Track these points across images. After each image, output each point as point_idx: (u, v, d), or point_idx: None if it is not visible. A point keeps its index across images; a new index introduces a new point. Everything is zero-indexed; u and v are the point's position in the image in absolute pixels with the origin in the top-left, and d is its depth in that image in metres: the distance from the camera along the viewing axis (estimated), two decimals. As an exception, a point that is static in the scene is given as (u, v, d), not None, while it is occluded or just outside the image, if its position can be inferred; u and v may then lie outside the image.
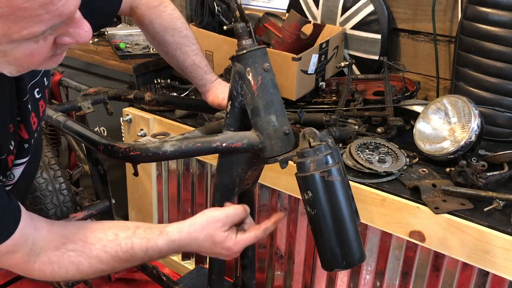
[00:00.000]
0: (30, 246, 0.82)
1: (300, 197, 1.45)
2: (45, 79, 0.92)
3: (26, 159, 0.92)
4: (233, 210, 0.89)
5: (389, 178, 1.32)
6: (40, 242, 0.83)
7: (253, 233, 0.89)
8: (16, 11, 0.56)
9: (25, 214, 0.82)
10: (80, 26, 0.65)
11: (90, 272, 0.85)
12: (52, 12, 0.58)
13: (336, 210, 0.81)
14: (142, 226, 0.88)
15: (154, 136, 1.22)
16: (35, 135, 0.92)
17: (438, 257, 1.26)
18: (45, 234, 0.84)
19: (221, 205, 1.05)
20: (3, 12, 0.55)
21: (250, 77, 0.91)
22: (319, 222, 0.82)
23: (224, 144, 0.94)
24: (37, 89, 0.90)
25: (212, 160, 1.63)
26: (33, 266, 0.83)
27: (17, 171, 0.92)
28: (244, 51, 0.92)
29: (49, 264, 0.83)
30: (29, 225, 0.82)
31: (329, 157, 0.82)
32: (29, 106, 0.87)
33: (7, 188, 0.93)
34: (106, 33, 2.24)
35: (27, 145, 0.90)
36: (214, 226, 0.86)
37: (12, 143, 0.83)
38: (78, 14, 0.64)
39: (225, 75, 1.66)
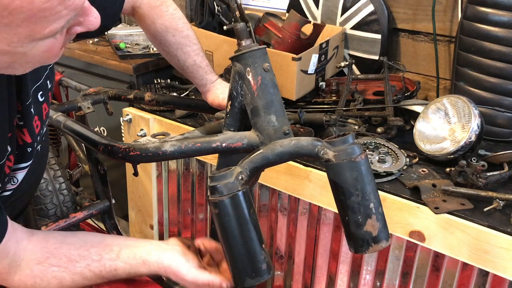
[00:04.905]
0: (11, 258, 0.83)
1: (300, 197, 1.46)
2: (48, 82, 0.92)
3: (29, 163, 0.91)
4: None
5: (389, 178, 1.32)
6: (21, 253, 0.84)
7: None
8: (37, 12, 0.57)
9: (10, 227, 0.83)
10: (90, 13, 0.66)
11: (73, 286, 0.88)
12: (69, 6, 0.60)
13: (225, 237, 0.81)
14: (124, 248, 0.89)
15: (154, 136, 1.22)
16: (39, 138, 0.92)
17: (438, 257, 1.26)
18: (25, 246, 0.85)
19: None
20: (26, 16, 0.57)
21: (250, 77, 0.91)
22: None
23: (224, 144, 0.94)
24: (41, 92, 0.90)
25: (212, 160, 1.63)
26: (13, 277, 0.85)
27: (20, 175, 0.92)
28: (244, 51, 0.92)
29: (32, 277, 0.85)
30: (12, 238, 0.83)
31: (222, 187, 0.78)
32: (32, 110, 0.86)
33: (8, 193, 0.92)
34: (106, 33, 2.23)
35: (30, 149, 0.89)
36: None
37: (9, 148, 0.83)
38: (86, 2, 0.65)
39: (225, 75, 1.66)
